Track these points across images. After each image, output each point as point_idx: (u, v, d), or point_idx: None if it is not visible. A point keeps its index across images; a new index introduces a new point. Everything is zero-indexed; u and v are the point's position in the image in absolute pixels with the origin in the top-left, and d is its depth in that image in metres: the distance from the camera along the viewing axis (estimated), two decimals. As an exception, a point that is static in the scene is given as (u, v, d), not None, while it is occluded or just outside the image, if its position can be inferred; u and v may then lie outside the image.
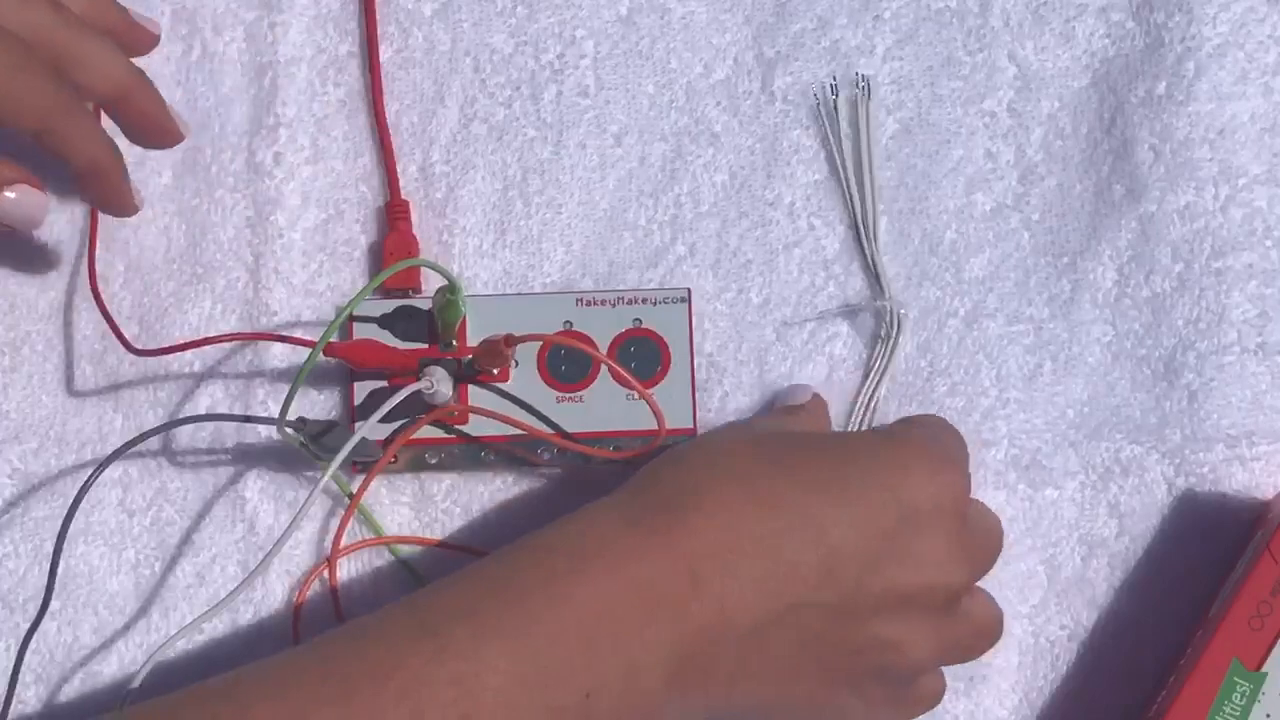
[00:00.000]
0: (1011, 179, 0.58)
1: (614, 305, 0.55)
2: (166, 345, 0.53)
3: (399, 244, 0.56)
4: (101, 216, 0.56)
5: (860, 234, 0.55)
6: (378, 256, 0.56)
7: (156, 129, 0.53)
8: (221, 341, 0.54)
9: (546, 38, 0.59)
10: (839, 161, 0.51)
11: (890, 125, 0.58)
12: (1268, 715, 0.51)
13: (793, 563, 0.44)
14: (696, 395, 0.55)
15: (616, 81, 0.59)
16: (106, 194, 0.53)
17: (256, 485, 0.55)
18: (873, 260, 0.51)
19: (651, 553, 0.43)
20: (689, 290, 0.56)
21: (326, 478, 0.48)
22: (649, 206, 0.58)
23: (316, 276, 0.57)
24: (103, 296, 0.54)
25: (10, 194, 0.50)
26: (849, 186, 0.53)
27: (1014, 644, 0.55)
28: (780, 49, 0.59)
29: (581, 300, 0.55)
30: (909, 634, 0.46)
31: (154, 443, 0.55)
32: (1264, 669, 0.51)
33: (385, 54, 0.59)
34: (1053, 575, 0.55)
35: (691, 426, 0.55)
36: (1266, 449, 0.56)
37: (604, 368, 0.54)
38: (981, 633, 0.50)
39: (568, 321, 0.55)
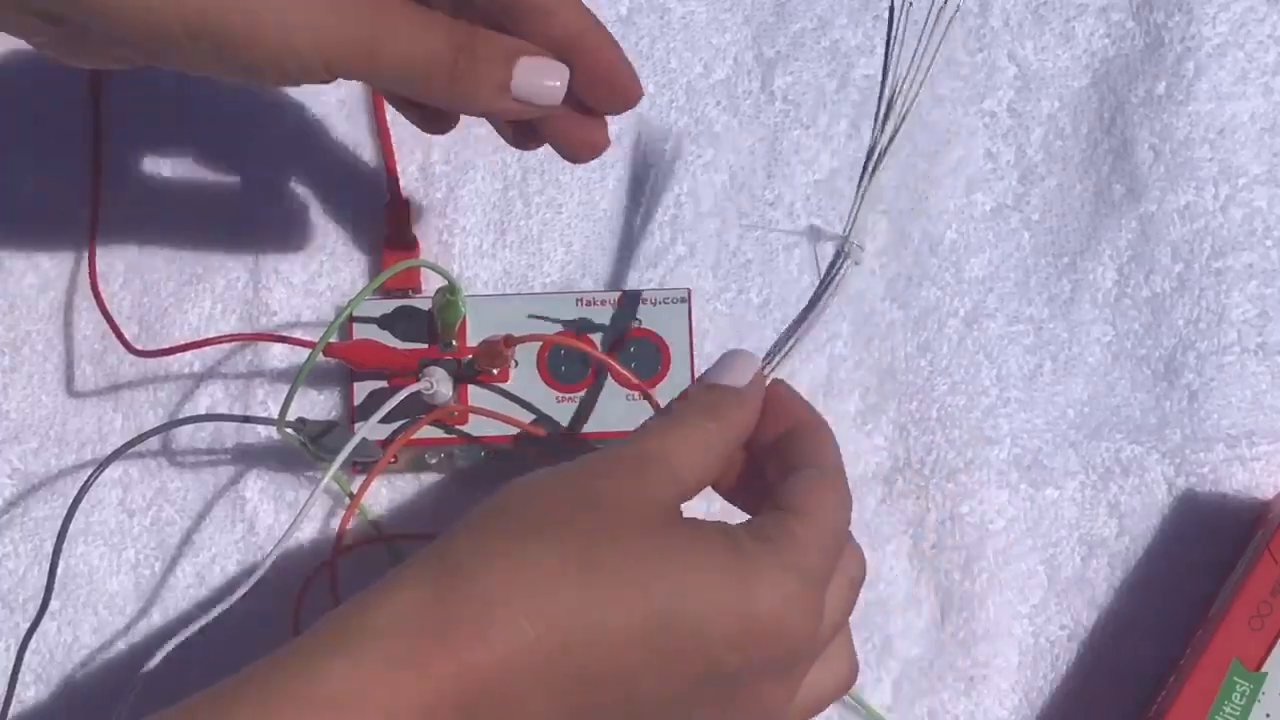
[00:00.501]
0: (1011, 179, 0.58)
1: (614, 305, 0.55)
2: (166, 346, 0.53)
3: (399, 244, 0.56)
4: (102, 216, 0.56)
5: (869, 158, 0.48)
6: (378, 256, 0.56)
7: (618, 84, 0.45)
8: (221, 342, 0.54)
9: (546, 38, 0.59)
10: (893, 63, 0.45)
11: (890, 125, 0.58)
12: (1268, 715, 0.51)
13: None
14: None
15: (616, 81, 0.58)
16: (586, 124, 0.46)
17: (256, 485, 0.55)
18: (862, 192, 0.46)
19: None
20: (689, 290, 0.56)
21: (327, 478, 0.48)
22: (649, 206, 0.58)
23: (316, 276, 0.57)
24: (103, 296, 0.54)
25: (530, 65, 0.43)
26: (888, 96, 0.47)
27: (1014, 644, 0.55)
28: (780, 49, 0.59)
29: (581, 300, 0.55)
30: None
31: (154, 443, 0.55)
32: (1264, 669, 0.51)
33: (385, 54, 0.59)
34: (1053, 575, 0.55)
35: None
36: (1266, 449, 0.56)
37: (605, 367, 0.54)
38: (824, 699, 0.44)
39: (569, 320, 0.55)
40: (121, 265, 0.57)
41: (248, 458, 0.55)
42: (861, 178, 0.46)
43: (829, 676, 0.43)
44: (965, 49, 0.59)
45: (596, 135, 0.47)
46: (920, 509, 0.56)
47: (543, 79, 0.44)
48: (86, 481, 0.48)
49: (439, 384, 0.52)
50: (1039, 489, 0.56)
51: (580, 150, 0.47)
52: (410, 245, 0.56)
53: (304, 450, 0.50)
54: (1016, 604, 0.55)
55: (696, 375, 0.56)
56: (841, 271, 0.46)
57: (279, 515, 0.55)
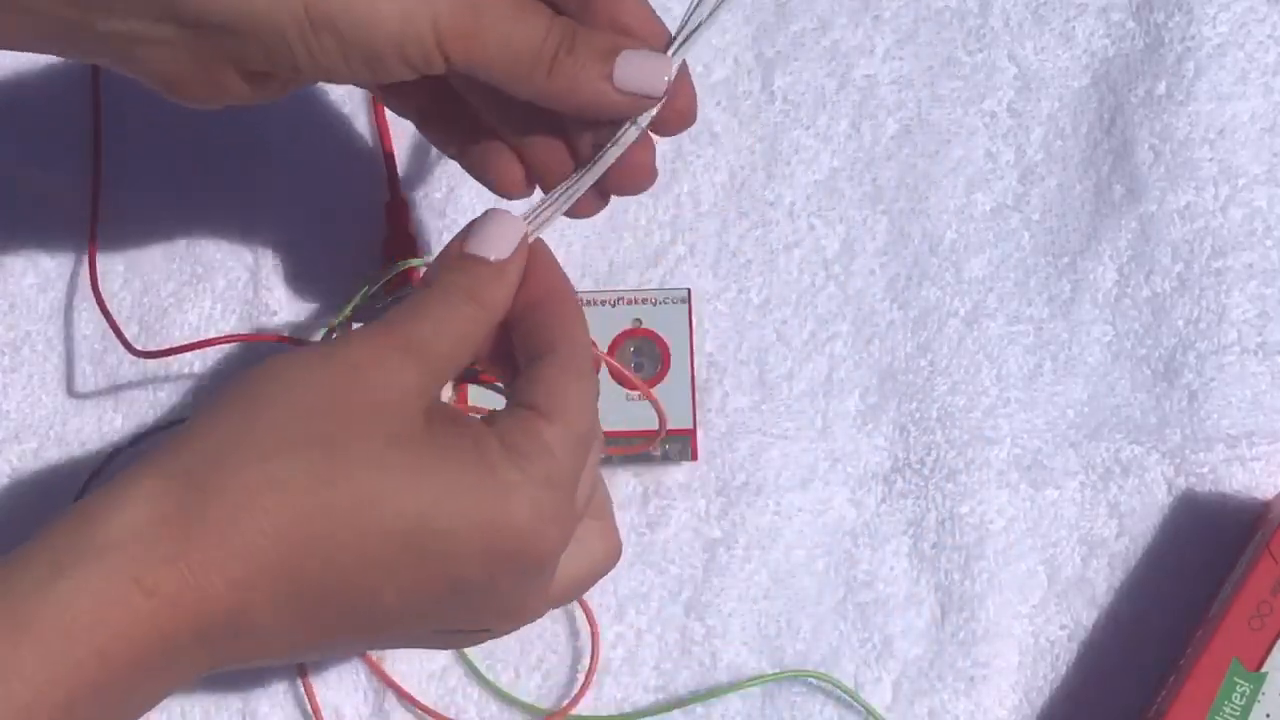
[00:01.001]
0: (1011, 179, 0.58)
1: (614, 305, 0.55)
2: (167, 346, 0.53)
3: (399, 244, 0.56)
4: (101, 216, 0.56)
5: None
6: (378, 256, 0.56)
7: (684, 104, 0.45)
8: (222, 343, 0.54)
9: (546, 38, 0.59)
10: None
11: (890, 125, 0.58)
12: (1268, 715, 0.51)
13: (325, 621, 0.38)
14: (696, 395, 0.55)
15: (616, 81, 0.58)
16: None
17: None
18: (674, 49, 0.43)
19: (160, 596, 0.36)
20: (689, 290, 0.56)
21: None
22: (649, 206, 0.58)
23: (316, 277, 0.57)
24: (103, 297, 0.54)
25: (633, 55, 0.42)
26: None
27: (1014, 644, 0.55)
28: (780, 49, 0.59)
29: (581, 300, 0.55)
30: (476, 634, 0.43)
31: (153, 443, 0.55)
32: (1264, 669, 0.51)
33: (385, 54, 0.59)
34: (1053, 575, 0.55)
35: (691, 426, 0.55)
36: (1266, 449, 0.56)
37: (604, 367, 0.54)
38: (582, 583, 0.44)
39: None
40: (121, 265, 0.57)
41: (248, 458, 0.55)
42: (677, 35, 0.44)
43: (585, 561, 0.43)
44: (965, 49, 0.59)
45: (653, 160, 0.46)
46: (920, 509, 0.56)
47: (646, 68, 0.43)
48: (87, 482, 0.48)
49: None
50: (1039, 489, 0.56)
51: (643, 179, 0.46)
52: (410, 245, 0.56)
53: None
54: (1016, 604, 0.55)
55: (696, 376, 0.56)
56: (625, 132, 0.44)
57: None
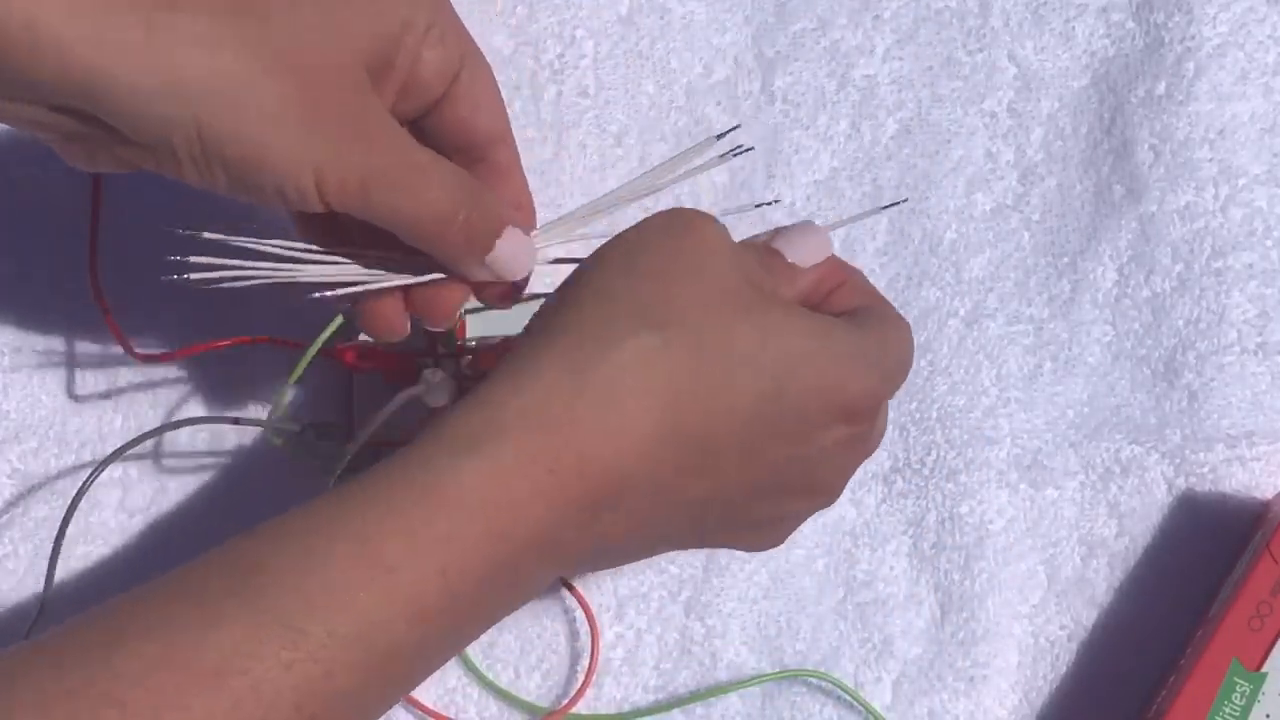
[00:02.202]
0: (1011, 179, 0.58)
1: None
2: (169, 351, 0.53)
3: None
4: (102, 216, 0.56)
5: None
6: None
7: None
8: (222, 346, 0.54)
9: (546, 38, 0.59)
10: None
11: (890, 125, 0.58)
12: (1267, 715, 0.51)
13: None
14: None
15: (616, 82, 0.59)
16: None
17: (256, 486, 0.55)
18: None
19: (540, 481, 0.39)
20: None
21: (333, 481, 0.48)
22: (649, 207, 0.58)
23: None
24: (105, 299, 0.54)
25: (506, 242, 0.46)
26: None
27: (1014, 644, 0.55)
28: (780, 49, 0.59)
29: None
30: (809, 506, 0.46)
31: (153, 443, 0.55)
32: (1264, 669, 0.51)
33: (385, 54, 0.59)
34: (1053, 575, 0.55)
35: None
36: (1266, 449, 0.56)
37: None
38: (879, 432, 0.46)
39: None
40: (122, 265, 0.57)
41: (248, 458, 0.55)
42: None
43: (875, 440, 0.46)
44: (965, 49, 0.59)
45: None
46: (920, 509, 0.56)
47: (519, 253, 0.46)
48: (85, 482, 0.48)
49: (437, 386, 0.52)
50: (1039, 489, 0.56)
51: (441, 316, 0.48)
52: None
53: (297, 452, 0.50)
54: (1016, 604, 0.55)
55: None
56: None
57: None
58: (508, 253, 0.46)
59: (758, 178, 0.58)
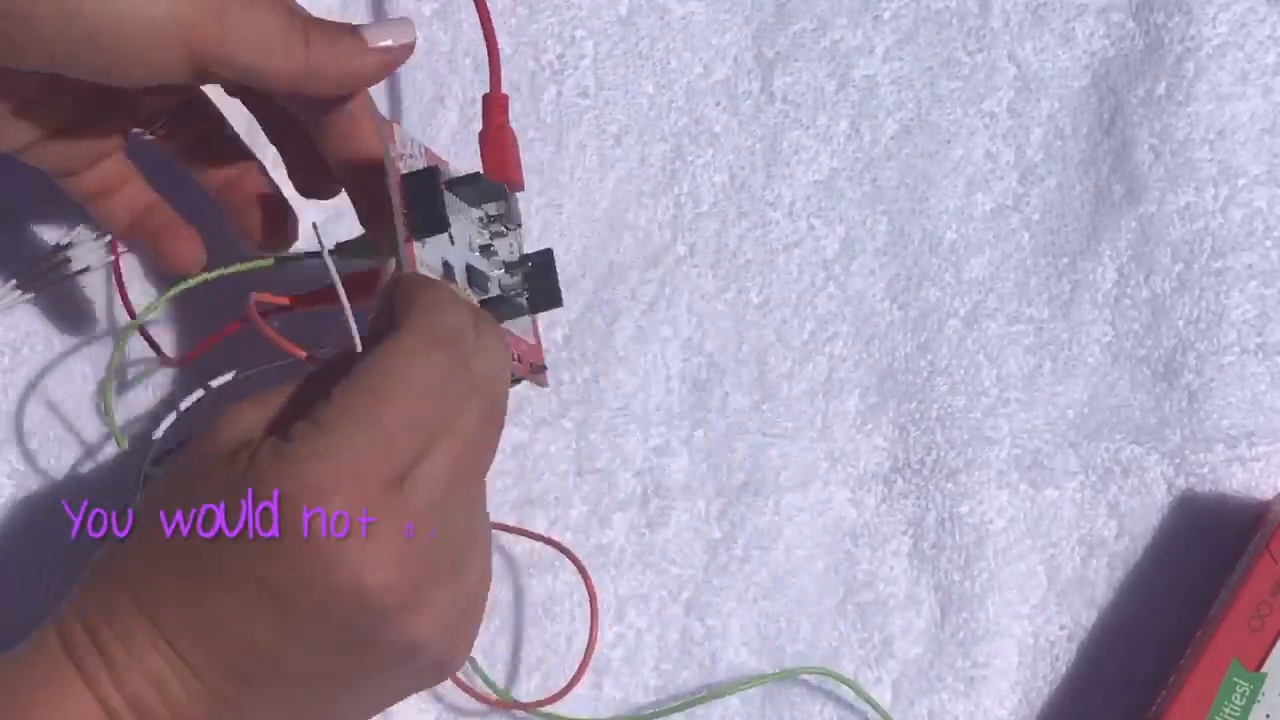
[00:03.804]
0: (1011, 179, 0.58)
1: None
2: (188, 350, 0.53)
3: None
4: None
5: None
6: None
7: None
8: (219, 341, 0.53)
9: (546, 38, 0.59)
10: None
11: (890, 125, 0.58)
12: (1267, 715, 0.51)
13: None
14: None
15: (616, 82, 0.59)
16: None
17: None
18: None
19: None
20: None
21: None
22: (649, 206, 0.58)
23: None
24: (133, 310, 0.53)
25: (375, 25, 0.47)
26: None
27: (1014, 644, 0.55)
28: (780, 49, 0.59)
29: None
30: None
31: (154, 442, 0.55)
32: (1264, 669, 0.51)
33: (385, 54, 0.58)
34: (1053, 575, 0.55)
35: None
36: (1266, 449, 0.56)
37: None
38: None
39: None
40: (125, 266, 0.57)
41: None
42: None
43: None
44: (965, 49, 0.59)
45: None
46: (920, 509, 0.56)
47: (394, 28, 0.47)
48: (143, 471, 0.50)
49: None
50: (1039, 489, 0.56)
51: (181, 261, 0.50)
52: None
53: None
54: (1016, 604, 0.55)
55: (698, 375, 0.55)
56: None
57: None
58: (379, 28, 0.47)
59: (758, 178, 0.58)
